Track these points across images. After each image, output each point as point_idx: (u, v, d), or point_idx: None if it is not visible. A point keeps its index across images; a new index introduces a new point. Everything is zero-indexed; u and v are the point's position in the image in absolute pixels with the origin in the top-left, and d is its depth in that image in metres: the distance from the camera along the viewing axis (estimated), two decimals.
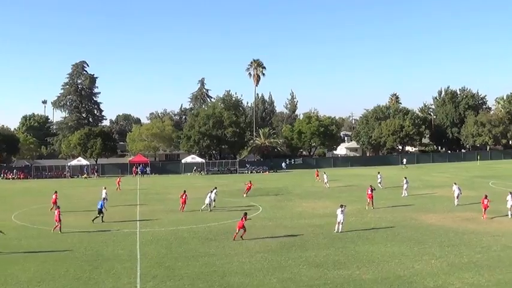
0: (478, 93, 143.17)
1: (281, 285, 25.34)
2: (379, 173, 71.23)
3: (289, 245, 33.92)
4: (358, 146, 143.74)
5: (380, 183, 66.73)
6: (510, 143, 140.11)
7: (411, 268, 27.79)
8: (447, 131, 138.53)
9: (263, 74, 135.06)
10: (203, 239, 36.16)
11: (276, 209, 50.15)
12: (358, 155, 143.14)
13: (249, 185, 62.58)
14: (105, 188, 53.09)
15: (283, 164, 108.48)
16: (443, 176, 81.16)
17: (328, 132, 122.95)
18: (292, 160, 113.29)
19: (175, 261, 29.99)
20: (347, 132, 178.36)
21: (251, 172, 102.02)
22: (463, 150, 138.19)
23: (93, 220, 43.44)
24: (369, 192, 50.74)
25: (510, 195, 43.52)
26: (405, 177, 61.37)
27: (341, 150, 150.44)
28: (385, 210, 48.01)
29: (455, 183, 54.00)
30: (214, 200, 51.02)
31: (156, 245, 34.61)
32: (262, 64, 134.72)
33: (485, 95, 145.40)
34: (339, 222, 38.03)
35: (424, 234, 36.61)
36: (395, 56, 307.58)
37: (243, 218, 36.34)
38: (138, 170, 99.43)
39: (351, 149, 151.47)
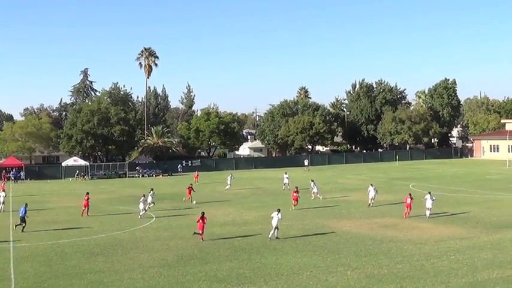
0: (396, 86, 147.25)
1: None
2: (286, 173, 72.14)
3: (187, 258, 33.70)
4: (263, 146, 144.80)
5: (287, 184, 67.80)
6: (432, 141, 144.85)
7: (325, 281, 28.13)
8: (362, 129, 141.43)
9: (155, 65, 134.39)
10: (88, 254, 35.38)
11: (171, 218, 49.79)
12: (263, 155, 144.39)
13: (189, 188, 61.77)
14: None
15: (179, 167, 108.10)
16: (358, 178, 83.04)
17: (230, 130, 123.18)
18: (189, 162, 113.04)
19: (56, 280, 29.15)
20: (250, 131, 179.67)
21: (142, 176, 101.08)
22: (380, 150, 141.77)
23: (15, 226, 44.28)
24: (294, 194, 53.72)
25: (429, 195, 46.92)
26: (312, 180, 62.51)
27: (244, 150, 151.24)
28: (294, 217, 48.54)
29: (371, 185, 56.09)
30: (153, 203, 53.98)
31: (33, 262, 33.54)
32: (155, 53, 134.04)
33: (405, 89, 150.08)
34: (275, 228, 38.89)
35: (339, 243, 37.21)
36: (304, 47, 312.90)
37: (202, 219, 38.82)
38: (11, 175, 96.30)
39: (254, 149, 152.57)
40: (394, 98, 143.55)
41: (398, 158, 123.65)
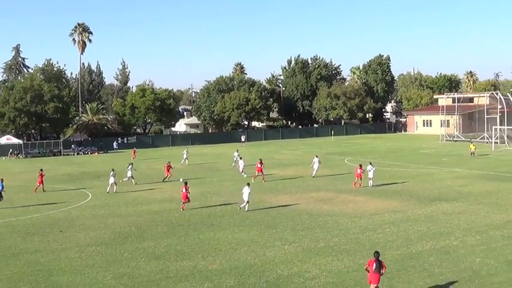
0: (331, 62, 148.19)
1: (117, 281, 25.02)
2: (237, 150, 72.08)
3: (125, 235, 33.60)
4: (200, 122, 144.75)
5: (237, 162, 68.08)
6: (367, 116, 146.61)
7: (262, 255, 28.42)
8: (298, 104, 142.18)
9: (89, 41, 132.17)
10: (24, 234, 34.87)
11: (107, 196, 49.40)
12: (199, 131, 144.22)
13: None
14: None
15: (115, 144, 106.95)
16: (294, 154, 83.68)
17: (165, 106, 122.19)
18: (125, 139, 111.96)
19: None
20: (187, 107, 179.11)
21: (78, 154, 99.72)
22: (315, 125, 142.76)
23: None
24: (259, 165, 56.13)
25: (370, 166, 50.00)
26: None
27: (180, 126, 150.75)
28: (231, 192, 48.69)
29: (316, 156, 58.44)
30: (132, 177, 56.28)
31: None
32: (89, 29, 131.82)
33: (340, 65, 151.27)
34: (246, 202, 40.24)
35: (276, 218, 37.58)
36: (240, 23, 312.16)
37: (186, 188, 40.74)
38: None
39: (191, 126, 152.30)
40: (329, 74, 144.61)
41: (334, 133, 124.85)
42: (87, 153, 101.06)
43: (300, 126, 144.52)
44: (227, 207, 41.83)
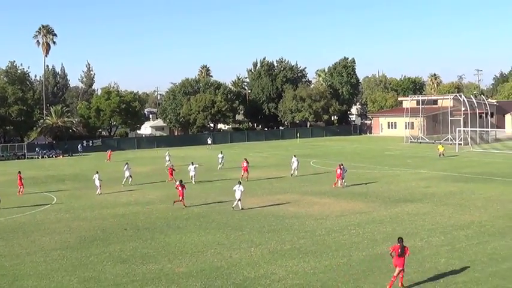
0: (297, 65, 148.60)
1: (83, 285, 24.83)
2: (221, 152, 71.60)
3: (90, 239, 33.35)
4: (165, 125, 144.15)
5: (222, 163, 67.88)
6: (333, 119, 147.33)
7: (229, 258, 28.41)
8: (263, 107, 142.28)
9: (54, 43, 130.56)
10: None
11: (73, 199, 49.01)
12: (165, 134, 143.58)
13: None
14: None
15: (80, 147, 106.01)
16: (260, 156, 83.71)
17: (131, 109, 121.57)
18: (90, 142, 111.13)
19: None
20: (152, 109, 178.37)
21: (42, 157, 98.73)
22: (281, 128, 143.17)
23: None
24: (245, 164, 57.70)
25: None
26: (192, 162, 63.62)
27: (146, 129, 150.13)
28: (197, 195, 48.59)
29: (294, 156, 60.23)
30: (130, 176, 57.64)
31: None
32: (53, 31, 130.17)
33: (305, 68, 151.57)
34: (238, 200, 41.17)
35: (241, 220, 37.60)
36: (205, 26, 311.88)
37: (182, 186, 42.57)
38: None
39: (156, 128, 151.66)
40: (295, 77, 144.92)
41: (299, 135, 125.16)
42: (52, 156, 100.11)
43: (266, 129, 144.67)
44: (193, 210, 41.73)
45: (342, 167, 51.62)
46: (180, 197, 42.47)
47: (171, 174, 57.45)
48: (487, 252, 27.69)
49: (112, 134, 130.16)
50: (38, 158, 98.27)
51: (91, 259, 28.91)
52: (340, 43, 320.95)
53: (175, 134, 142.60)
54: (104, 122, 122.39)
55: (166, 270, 26.68)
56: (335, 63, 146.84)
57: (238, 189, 41.09)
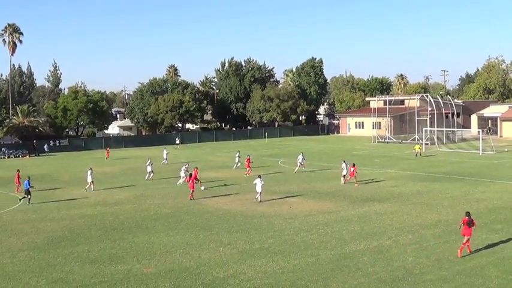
0: (265, 65, 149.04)
1: (51, 286, 24.63)
2: (238, 151, 71.09)
3: (58, 240, 33.07)
4: (133, 125, 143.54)
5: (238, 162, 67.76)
6: (300, 118, 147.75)
7: (198, 258, 28.36)
8: (231, 107, 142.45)
9: (20, 42, 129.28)
10: None
11: (40, 199, 48.44)
12: (132, 134, 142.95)
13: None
14: None
15: (46, 147, 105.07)
16: (228, 156, 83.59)
17: (98, 109, 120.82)
18: (57, 141, 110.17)
19: None
20: (120, 109, 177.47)
21: (8, 157, 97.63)
22: (249, 127, 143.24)
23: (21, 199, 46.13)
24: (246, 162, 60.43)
25: (344, 164, 53.88)
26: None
27: (113, 129, 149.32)
28: (166, 195, 48.48)
29: (302, 153, 63.38)
30: (152, 171, 59.38)
31: None
32: (19, 30, 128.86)
33: (273, 68, 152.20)
34: (260, 193, 43.43)
35: (210, 220, 37.57)
36: (173, 26, 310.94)
37: (193, 179, 46.18)
38: None
39: (124, 128, 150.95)
40: (263, 77, 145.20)
41: (267, 135, 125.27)
42: (18, 156, 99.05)
43: (234, 129, 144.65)
44: (161, 210, 41.59)
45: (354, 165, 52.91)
46: (191, 190, 45.71)
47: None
48: (453, 251, 27.93)
49: (79, 133, 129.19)
50: (4, 158, 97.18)
51: (59, 260, 28.67)
52: (307, 43, 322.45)
53: (143, 133, 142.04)
54: (71, 122, 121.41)
55: (135, 270, 26.56)
56: (303, 64, 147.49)
57: (258, 183, 43.34)
